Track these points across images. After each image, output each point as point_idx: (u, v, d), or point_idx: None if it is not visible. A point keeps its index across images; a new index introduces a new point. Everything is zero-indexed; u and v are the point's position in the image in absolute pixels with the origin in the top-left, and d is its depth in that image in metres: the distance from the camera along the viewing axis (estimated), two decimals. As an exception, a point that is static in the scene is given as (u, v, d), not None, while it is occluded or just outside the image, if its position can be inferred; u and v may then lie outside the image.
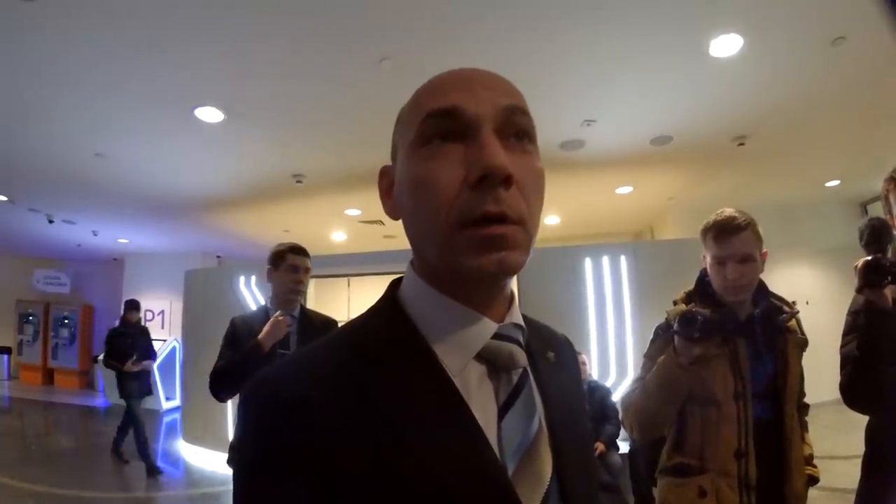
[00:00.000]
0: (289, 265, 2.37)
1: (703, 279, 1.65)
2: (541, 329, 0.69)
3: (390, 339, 0.54)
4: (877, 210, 5.54)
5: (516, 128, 0.54)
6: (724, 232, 1.52)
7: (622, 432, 4.01)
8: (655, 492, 1.67)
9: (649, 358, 1.60)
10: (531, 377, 0.58)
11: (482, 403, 0.53)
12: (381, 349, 0.53)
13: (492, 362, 0.55)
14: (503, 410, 0.54)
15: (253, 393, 0.51)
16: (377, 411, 0.48)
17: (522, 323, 0.60)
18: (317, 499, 0.45)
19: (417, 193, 0.53)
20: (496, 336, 0.55)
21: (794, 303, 1.62)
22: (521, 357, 0.56)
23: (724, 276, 1.53)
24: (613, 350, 4.98)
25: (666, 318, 1.59)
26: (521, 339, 0.57)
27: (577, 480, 0.56)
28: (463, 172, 0.50)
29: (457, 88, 0.54)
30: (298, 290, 2.40)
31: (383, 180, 0.62)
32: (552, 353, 0.65)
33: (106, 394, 9.91)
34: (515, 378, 0.56)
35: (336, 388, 0.49)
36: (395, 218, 0.60)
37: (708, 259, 1.58)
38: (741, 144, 4.82)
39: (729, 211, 1.55)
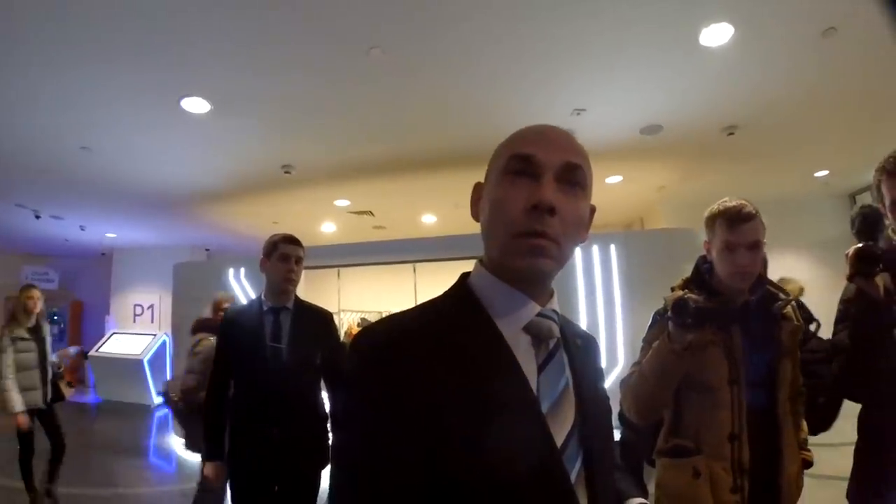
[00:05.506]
0: (280, 254, 2.32)
1: (699, 267, 1.67)
2: (574, 325, 0.90)
3: (462, 313, 0.75)
4: (866, 201, 5.58)
5: (573, 179, 0.75)
6: (738, 219, 1.53)
7: (614, 420, 4.02)
8: (650, 476, 1.70)
9: (647, 342, 1.63)
10: (563, 348, 0.79)
11: (527, 363, 0.73)
12: (455, 320, 0.73)
13: (534, 334, 0.75)
14: (541, 368, 0.74)
15: (360, 343, 0.72)
16: (456, 364, 0.68)
17: (558, 310, 0.80)
18: (419, 431, 0.63)
19: (495, 209, 0.75)
20: (539, 315, 0.75)
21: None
22: (556, 330, 0.77)
23: (733, 262, 1.54)
24: (603, 338, 5.00)
25: (664, 304, 1.61)
26: (556, 319, 0.78)
27: (595, 432, 0.76)
28: (525, 200, 0.71)
29: (536, 142, 0.75)
30: (290, 279, 2.34)
31: (475, 192, 0.84)
32: (580, 341, 0.86)
33: (97, 390, 9.84)
34: (551, 345, 0.76)
35: (426, 346, 0.69)
36: (477, 220, 0.82)
37: (716, 245, 1.58)
38: (731, 134, 4.83)
39: (736, 199, 1.57)
